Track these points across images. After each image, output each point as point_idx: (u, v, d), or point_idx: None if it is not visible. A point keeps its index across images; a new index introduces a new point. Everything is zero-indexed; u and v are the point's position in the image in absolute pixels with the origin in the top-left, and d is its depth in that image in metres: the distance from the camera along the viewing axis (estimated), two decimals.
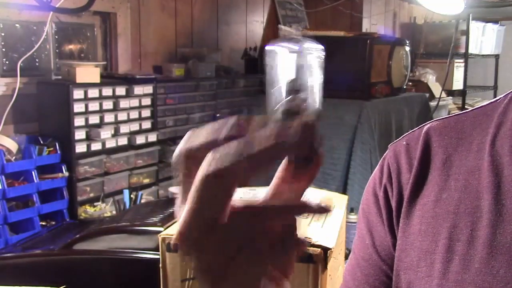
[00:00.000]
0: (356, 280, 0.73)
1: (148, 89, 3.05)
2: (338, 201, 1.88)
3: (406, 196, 0.68)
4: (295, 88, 0.44)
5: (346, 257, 1.63)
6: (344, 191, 3.24)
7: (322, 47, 0.45)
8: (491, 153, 0.63)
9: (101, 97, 2.80)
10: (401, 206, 0.68)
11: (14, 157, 2.55)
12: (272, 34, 4.27)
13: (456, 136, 0.68)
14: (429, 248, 0.63)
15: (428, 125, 0.72)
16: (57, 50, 2.97)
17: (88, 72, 2.76)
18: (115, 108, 2.89)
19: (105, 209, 2.88)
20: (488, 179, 0.62)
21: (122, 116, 2.92)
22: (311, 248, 1.48)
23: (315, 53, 0.45)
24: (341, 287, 0.77)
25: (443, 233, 0.62)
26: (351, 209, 2.53)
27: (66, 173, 2.70)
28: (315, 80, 0.45)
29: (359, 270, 0.73)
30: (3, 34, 2.70)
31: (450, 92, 5.42)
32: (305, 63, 0.44)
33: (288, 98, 0.44)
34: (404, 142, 0.72)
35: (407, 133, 0.74)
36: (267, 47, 0.44)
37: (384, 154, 0.75)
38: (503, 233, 0.58)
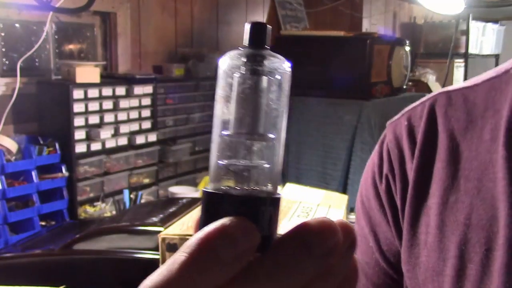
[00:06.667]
0: None
1: (148, 89, 3.05)
2: (338, 201, 1.88)
3: (409, 195, 0.55)
4: (248, 133, 0.29)
5: None
6: (344, 191, 3.24)
7: (289, 64, 0.31)
8: (506, 145, 0.50)
9: (101, 97, 2.80)
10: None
11: (14, 157, 2.55)
12: (272, 34, 4.26)
13: (464, 118, 0.55)
14: (436, 267, 0.52)
15: (432, 99, 0.58)
16: (57, 50, 2.97)
17: (88, 72, 2.76)
18: (115, 108, 2.88)
19: (105, 209, 2.88)
20: (503, 182, 0.49)
21: (122, 116, 2.92)
22: None
23: (279, 74, 0.31)
24: None
25: (452, 249, 0.51)
26: (351, 209, 2.53)
27: (66, 173, 2.70)
28: (279, 118, 0.30)
29: (364, 276, 0.61)
30: (3, 34, 2.70)
31: None
32: (267, 91, 0.30)
33: (239, 153, 0.30)
34: (406, 122, 0.59)
35: (407, 108, 0.61)
36: (220, 61, 0.31)
37: (382, 136, 0.62)
38: None
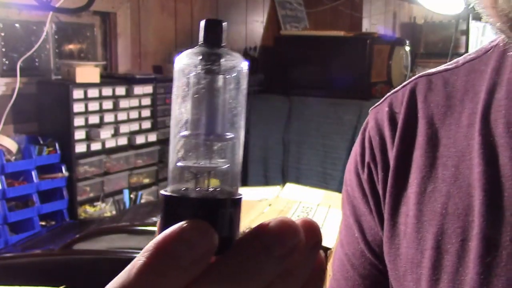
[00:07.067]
0: (349, 280, 0.60)
1: (148, 89, 3.05)
2: (338, 201, 1.88)
3: (389, 184, 0.54)
4: (206, 133, 0.29)
5: None
6: None
7: (246, 62, 0.30)
8: (481, 131, 0.48)
9: (101, 97, 2.80)
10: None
11: (14, 157, 2.55)
12: (272, 34, 4.27)
13: (444, 103, 0.53)
14: (415, 258, 0.51)
15: (413, 83, 0.57)
16: (57, 50, 2.97)
17: (88, 72, 2.76)
18: (115, 108, 2.88)
19: (105, 209, 2.88)
20: (479, 168, 0.47)
21: (122, 116, 2.92)
22: None
23: (235, 72, 0.29)
24: (331, 285, 0.63)
25: (429, 240, 0.49)
26: None
27: (66, 173, 2.70)
28: (238, 117, 0.30)
29: (350, 267, 0.60)
30: (3, 34, 2.70)
31: None
32: (223, 90, 0.29)
33: (198, 152, 0.29)
34: (387, 108, 0.57)
35: (389, 93, 0.59)
36: (175, 59, 0.30)
37: (365, 122, 0.60)
38: (498, 248, 0.45)
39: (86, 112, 2.75)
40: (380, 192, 0.55)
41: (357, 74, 3.53)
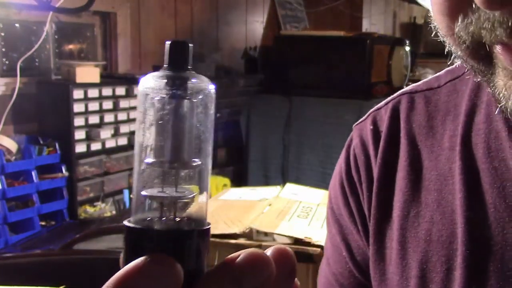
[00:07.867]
0: None
1: None
2: None
3: (373, 206, 0.52)
4: (172, 161, 0.27)
5: None
6: None
7: (212, 85, 0.29)
8: (462, 156, 0.47)
9: (101, 97, 2.80)
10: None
11: (14, 157, 2.55)
12: (272, 34, 4.27)
13: (425, 124, 0.51)
14: (400, 286, 0.49)
15: (396, 100, 0.56)
16: (57, 50, 2.97)
17: (88, 72, 2.76)
18: (115, 108, 2.88)
19: (105, 209, 2.88)
20: (460, 194, 0.46)
21: (122, 116, 2.92)
22: (311, 248, 1.48)
23: (202, 96, 0.28)
24: None
25: (414, 268, 0.48)
26: None
27: (66, 173, 2.70)
28: (205, 143, 0.28)
29: (339, 287, 0.58)
30: (2, 34, 2.70)
31: None
32: (189, 116, 0.28)
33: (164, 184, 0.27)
34: (371, 126, 0.55)
35: (372, 110, 0.57)
36: (140, 82, 0.28)
37: (349, 139, 0.58)
38: (483, 278, 0.44)
39: (86, 112, 2.75)
40: (366, 212, 0.53)
41: (357, 74, 3.53)
